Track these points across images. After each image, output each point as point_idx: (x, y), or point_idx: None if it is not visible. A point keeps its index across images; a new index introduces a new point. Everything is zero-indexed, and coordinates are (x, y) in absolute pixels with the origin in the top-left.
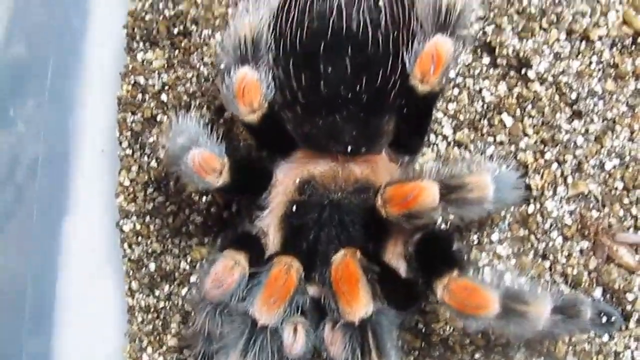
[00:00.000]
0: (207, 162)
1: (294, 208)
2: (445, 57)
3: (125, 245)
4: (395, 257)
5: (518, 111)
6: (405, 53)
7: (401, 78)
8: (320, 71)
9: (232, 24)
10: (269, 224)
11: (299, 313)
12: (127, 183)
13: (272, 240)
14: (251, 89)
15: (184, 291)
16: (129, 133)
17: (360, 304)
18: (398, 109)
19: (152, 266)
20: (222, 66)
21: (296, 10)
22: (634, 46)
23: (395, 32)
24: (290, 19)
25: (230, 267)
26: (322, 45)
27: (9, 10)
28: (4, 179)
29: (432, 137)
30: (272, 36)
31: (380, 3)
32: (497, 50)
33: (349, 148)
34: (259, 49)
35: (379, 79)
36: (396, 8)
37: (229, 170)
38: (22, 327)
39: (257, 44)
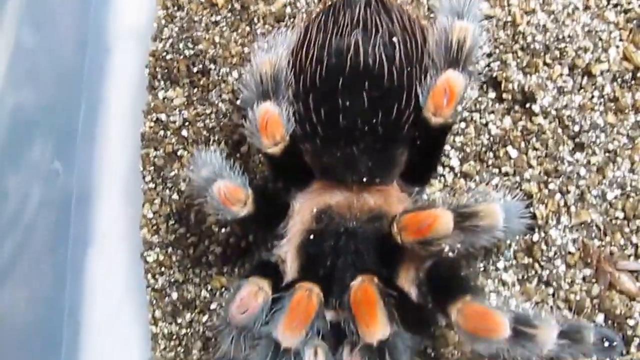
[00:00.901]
0: (232, 193)
1: (311, 236)
2: (458, 91)
3: (149, 276)
4: (408, 283)
5: (522, 144)
6: (418, 87)
7: (415, 110)
8: (339, 105)
9: (253, 61)
10: (286, 252)
11: (319, 337)
12: (150, 215)
13: (290, 267)
14: (273, 123)
15: (204, 318)
16: (151, 168)
17: (379, 327)
18: (411, 140)
19: (174, 295)
20: (239, 102)
21: (315, 47)
22: (633, 80)
23: (409, 67)
24: (309, 56)
25: (254, 292)
26: (340, 81)
27: (47, 58)
28: (39, 215)
29: (440, 168)
30: (292, 72)
31: (395, 40)
32: (502, 85)
33: (364, 178)
34: (280, 84)
35: (394, 112)
36: (409, 44)
37: (253, 201)
38: (59, 353)
39: (278, 80)
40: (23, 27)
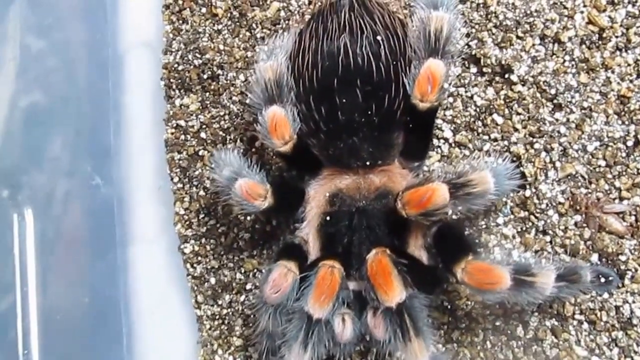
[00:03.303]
0: (252, 190)
1: (327, 218)
2: (439, 77)
3: (188, 265)
4: (417, 249)
5: (506, 110)
6: (405, 77)
7: (404, 98)
8: (336, 102)
9: (256, 69)
10: (307, 234)
11: (344, 305)
12: (182, 212)
13: (312, 247)
14: (281, 125)
15: (242, 298)
16: (178, 169)
17: (395, 292)
18: (404, 124)
19: (212, 280)
20: (248, 101)
21: (309, 53)
22: (600, 41)
23: (394, 61)
24: (305, 61)
25: (284, 274)
26: (335, 80)
27: (78, 85)
28: (93, 223)
29: (436, 141)
30: (292, 77)
31: (378, 38)
32: (482, 61)
33: (367, 162)
34: (283, 89)
35: (386, 102)
36: (392, 40)
37: (272, 194)
38: (122, 342)
39: (280, 85)
40: (48, 56)
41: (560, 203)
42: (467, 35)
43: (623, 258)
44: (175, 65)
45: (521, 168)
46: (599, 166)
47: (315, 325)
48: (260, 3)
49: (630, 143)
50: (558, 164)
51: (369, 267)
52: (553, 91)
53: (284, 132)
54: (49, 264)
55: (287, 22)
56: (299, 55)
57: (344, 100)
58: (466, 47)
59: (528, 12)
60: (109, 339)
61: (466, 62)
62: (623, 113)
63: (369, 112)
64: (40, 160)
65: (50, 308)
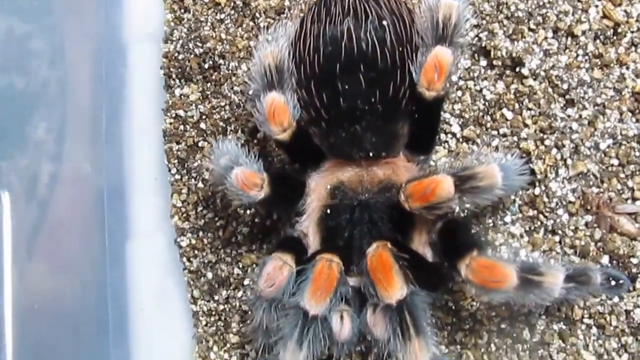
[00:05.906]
0: (248, 179)
1: (328, 211)
2: (447, 66)
3: (184, 259)
4: (422, 245)
5: (517, 105)
6: (411, 65)
7: (410, 87)
8: (339, 89)
9: (256, 55)
10: (307, 227)
11: (343, 302)
12: (179, 204)
13: (312, 241)
14: (280, 111)
15: (239, 294)
16: (176, 160)
17: (396, 288)
18: (410, 114)
19: (209, 275)
20: (251, 92)
21: (311, 37)
22: (615, 36)
23: (400, 48)
24: (307, 46)
25: (279, 267)
26: (338, 66)
27: (68, 69)
28: (82, 213)
29: (443, 135)
30: (293, 62)
31: (384, 23)
32: (492, 53)
33: (371, 153)
34: (283, 74)
35: (391, 90)
36: (399, 26)
37: (269, 184)
38: (108, 337)
39: (281, 70)
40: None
41: (570, 202)
42: (477, 26)
43: (635, 261)
44: (176, 54)
45: (531, 165)
46: (612, 165)
47: (311, 322)
48: None
49: None
50: (569, 162)
51: (369, 262)
52: (565, 86)
53: (282, 119)
54: (28, 253)
55: (291, 11)
56: (301, 39)
57: (347, 87)
58: (476, 38)
59: (541, 3)
60: (93, 332)
61: (476, 55)
62: (637, 111)
63: (373, 100)
64: (23, 144)
65: (28, 298)
